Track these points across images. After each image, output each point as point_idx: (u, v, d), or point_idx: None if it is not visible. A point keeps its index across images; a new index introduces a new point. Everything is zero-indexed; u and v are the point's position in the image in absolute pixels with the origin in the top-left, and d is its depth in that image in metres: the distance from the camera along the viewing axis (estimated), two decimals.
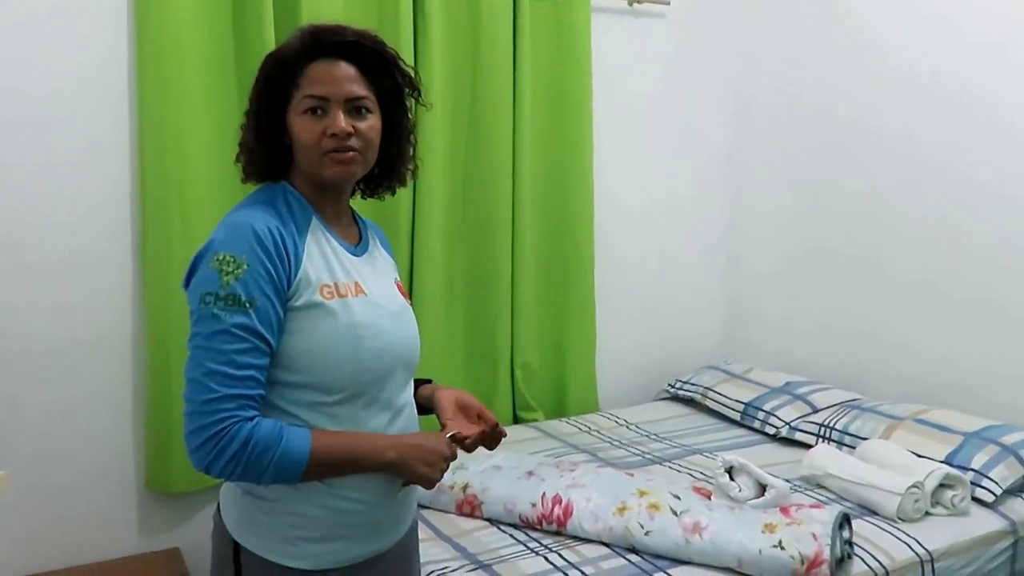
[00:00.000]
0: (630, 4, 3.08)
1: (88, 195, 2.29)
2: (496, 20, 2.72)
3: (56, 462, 2.29)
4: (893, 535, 1.94)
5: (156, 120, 2.27)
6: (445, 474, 1.30)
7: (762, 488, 2.03)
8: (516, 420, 2.93)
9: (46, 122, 2.22)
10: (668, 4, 3.14)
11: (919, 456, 2.23)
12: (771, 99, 3.24)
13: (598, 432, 2.76)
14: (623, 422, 2.87)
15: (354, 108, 1.26)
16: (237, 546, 1.26)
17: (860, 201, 2.90)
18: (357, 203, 1.43)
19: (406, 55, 2.52)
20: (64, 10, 2.22)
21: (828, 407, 2.67)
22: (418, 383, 1.47)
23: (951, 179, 2.61)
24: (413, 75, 1.34)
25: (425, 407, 1.45)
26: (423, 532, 1.87)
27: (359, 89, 1.26)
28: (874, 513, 2.05)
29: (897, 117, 2.76)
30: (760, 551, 1.75)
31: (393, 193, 1.44)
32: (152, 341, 2.32)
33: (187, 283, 1.23)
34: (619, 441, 2.67)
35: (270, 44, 2.28)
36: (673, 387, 3.16)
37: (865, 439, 2.39)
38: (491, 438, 1.39)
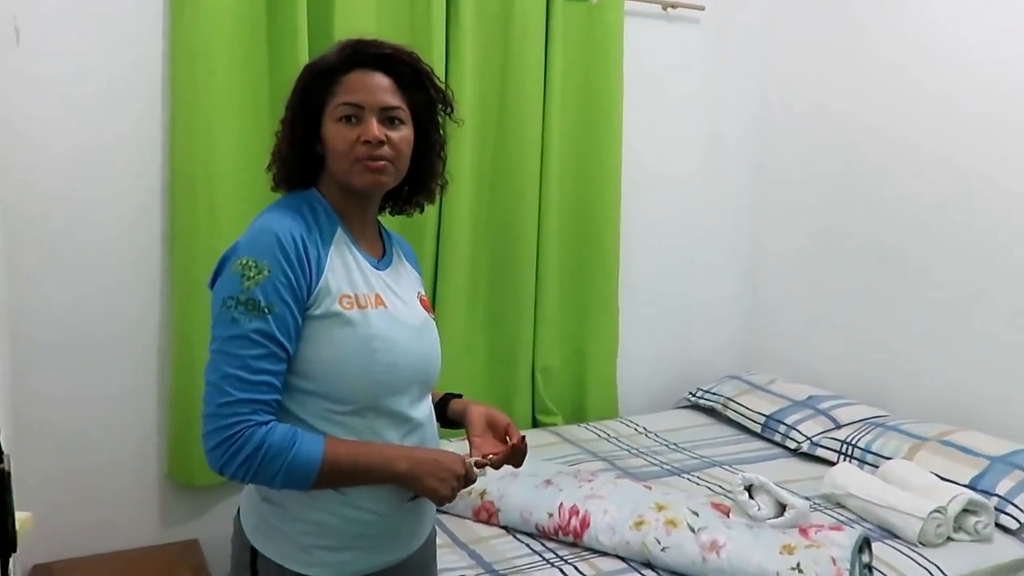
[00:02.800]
0: (664, 9, 3.05)
1: (119, 191, 2.31)
2: (528, 25, 2.71)
3: (80, 452, 2.32)
4: (914, 560, 1.91)
5: (186, 120, 2.29)
6: (457, 493, 1.29)
7: (781, 507, 2.02)
8: (535, 424, 2.93)
9: (80, 119, 2.24)
10: (703, 9, 3.11)
11: (942, 479, 2.20)
12: (800, 107, 3.20)
13: (617, 439, 2.75)
14: (642, 430, 2.86)
15: (388, 118, 1.27)
16: (254, 551, 1.28)
17: (889, 212, 2.86)
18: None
19: (437, 63, 2.53)
20: (102, 10, 2.23)
21: (851, 423, 2.64)
22: (449, 397, 1.47)
23: (986, 191, 2.56)
24: (447, 92, 1.35)
25: (456, 422, 1.45)
26: (440, 538, 1.87)
27: (393, 100, 1.28)
28: (895, 536, 2.03)
29: (928, 125, 2.72)
30: (778, 574, 1.73)
31: (422, 211, 1.45)
32: (177, 336, 2.35)
33: (212, 284, 1.25)
34: (638, 449, 2.66)
35: (303, 52, 2.30)
36: (694, 396, 3.14)
37: (888, 458, 2.36)
38: (516, 456, 1.38)
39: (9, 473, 0.65)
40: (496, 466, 1.34)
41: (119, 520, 2.39)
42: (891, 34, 2.84)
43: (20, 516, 0.74)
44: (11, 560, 0.69)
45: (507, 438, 1.40)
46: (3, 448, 0.66)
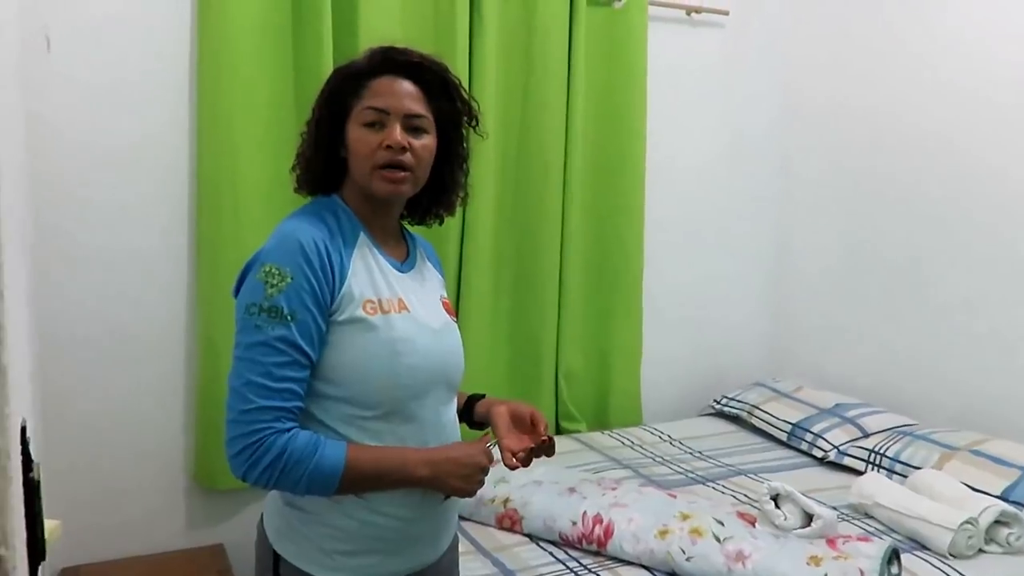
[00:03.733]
0: (688, 14, 3.04)
1: (146, 195, 2.34)
2: (551, 30, 2.71)
3: (107, 455, 2.35)
4: (944, 573, 1.88)
5: (213, 124, 2.31)
6: (484, 484, 1.30)
7: (808, 517, 1.99)
8: (558, 430, 2.92)
9: (109, 124, 2.27)
10: (727, 14, 3.09)
11: (974, 490, 2.16)
12: (825, 109, 3.17)
13: (641, 447, 2.73)
14: (666, 437, 2.84)
15: (412, 126, 1.28)
16: (277, 556, 1.29)
17: (918, 215, 2.82)
18: None
19: (461, 68, 2.54)
20: (130, 13, 2.26)
21: (879, 432, 2.61)
22: (474, 399, 1.47)
23: (1019, 193, 2.51)
24: (473, 104, 1.35)
25: (481, 423, 1.45)
26: (463, 545, 1.87)
27: (419, 107, 1.28)
28: (924, 548, 2.00)
29: (957, 124, 2.68)
30: None
31: (441, 223, 1.45)
32: (203, 339, 2.37)
33: (236, 291, 1.26)
34: (662, 457, 2.64)
35: (328, 58, 2.32)
36: (719, 403, 3.11)
37: (917, 468, 2.33)
38: (545, 448, 1.34)
39: (39, 482, 0.65)
40: (526, 463, 1.30)
41: (145, 524, 2.41)
42: (916, 32, 2.81)
43: (49, 524, 0.74)
44: (41, 567, 0.69)
45: (533, 428, 1.36)
46: (33, 456, 0.67)
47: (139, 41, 2.28)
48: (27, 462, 0.64)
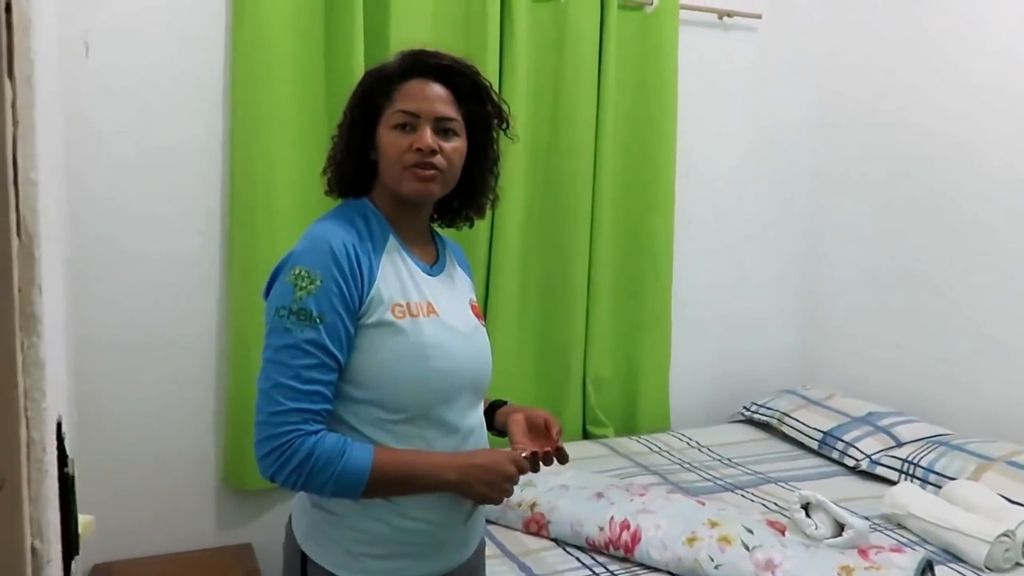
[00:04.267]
0: (720, 18, 3.02)
1: (181, 197, 2.37)
2: (582, 34, 2.71)
3: (139, 454, 2.38)
4: None
5: (246, 128, 2.33)
6: (510, 492, 1.29)
7: (840, 527, 1.96)
8: (586, 435, 2.91)
9: (144, 128, 2.30)
10: (760, 18, 3.07)
11: (1010, 501, 2.11)
12: (858, 115, 3.13)
13: (669, 453, 2.71)
14: (695, 444, 2.81)
15: (442, 129, 1.28)
16: (304, 557, 1.30)
17: (951, 223, 2.78)
18: None
19: (491, 71, 2.54)
20: (164, 17, 2.30)
21: (913, 441, 2.56)
22: (496, 406, 1.47)
23: None
24: (504, 107, 1.36)
25: (501, 431, 1.45)
26: (489, 548, 1.87)
27: (449, 110, 1.28)
28: (959, 560, 1.96)
29: (994, 132, 2.63)
30: None
31: (471, 225, 1.45)
32: (234, 342, 2.39)
33: (267, 294, 1.27)
34: (690, 464, 2.62)
35: (359, 61, 2.33)
36: (748, 410, 3.08)
37: (952, 479, 2.28)
38: (556, 455, 1.33)
39: (73, 477, 0.66)
40: (534, 468, 1.30)
41: (176, 522, 2.44)
42: (952, 37, 2.77)
43: (83, 519, 0.75)
44: (74, 562, 0.70)
45: (547, 432, 1.36)
46: (68, 452, 0.68)
47: (174, 46, 2.31)
48: (62, 457, 0.65)
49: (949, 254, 2.78)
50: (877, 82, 3.05)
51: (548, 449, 1.31)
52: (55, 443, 0.60)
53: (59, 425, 0.66)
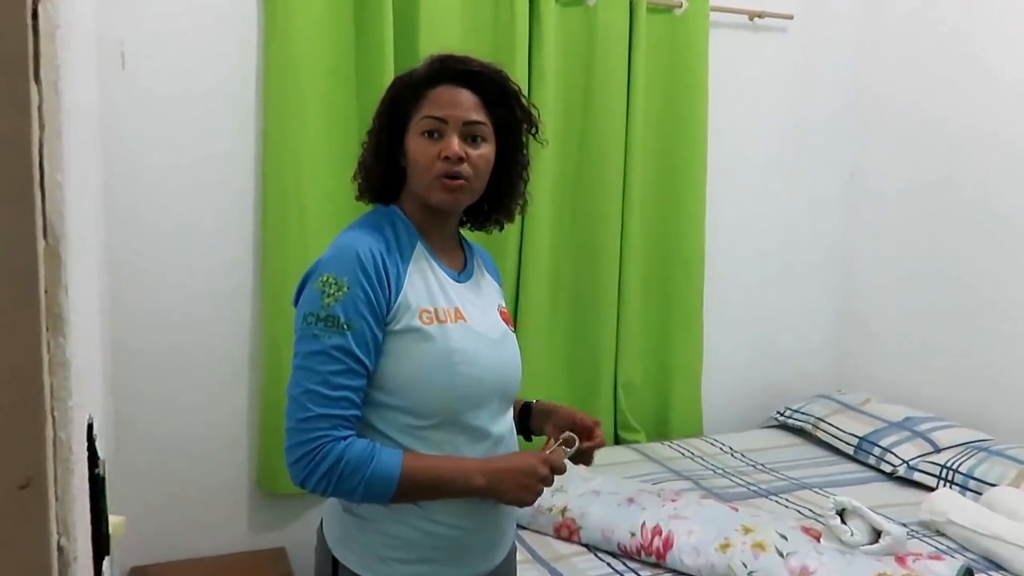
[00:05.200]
0: (751, 19, 2.99)
1: (215, 204, 2.40)
2: (611, 37, 2.70)
3: (175, 459, 2.41)
4: None
5: (279, 134, 2.36)
6: (542, 492, 1.28)
7: (876, 534, 1.93)
8: (617, 441, 2.89)
9: (179, 136, 2.34)
10: (791, 19, 3.03)
11: None
12: (895, 113, 3.08)
13: (701, 458, 2.68)
14: (728, 449, 2.78)
15: (470, 135, 1.28)
16: (336, 561, 1.30)
17: (988, 224, 2.72)
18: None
19: (520, 75, 2.54)
20: (198, 27, 2.33)
21: (951, 447, 2.51)
22: (527, 408, 1.47)
23: None
24: (533, 112, 1.35)
25: (539, 432, 1.45)
26: (520, 554, 1.86)
27: (477, 116, 1.28)
28: (1001, 568, 1.92)
29: None
30: None
31: (501, 229, 1.45)
32: (267, 348, 2.41)
33: (296, 301, 1.28)
34: (723, 469, 2.59)
35: (389, 68, 2.35)
36: (782, 415, 3.04)
37: (993, 485, 2.24)
38: (583, 454, 1.35)
39: (104, 478, 0.67)
40: (573, 459, 1.32)
41: (210, 526, 2.46)
42: (990, 33, 2.71)
43: (114, 520, 0.76)
44: (105, 561, 0.71)
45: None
46: (99, 454, 0.69)
47: (207, 56, 2.34)
48: (93, 458, 0.66)
49: (986, 256, 2.73)
50: (914, 79, 3.00)
51: (590, 444, 1.32)
52: (85, 443, 0.61)
53: (90, 427, 0.67)
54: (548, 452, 1.29)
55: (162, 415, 2.38)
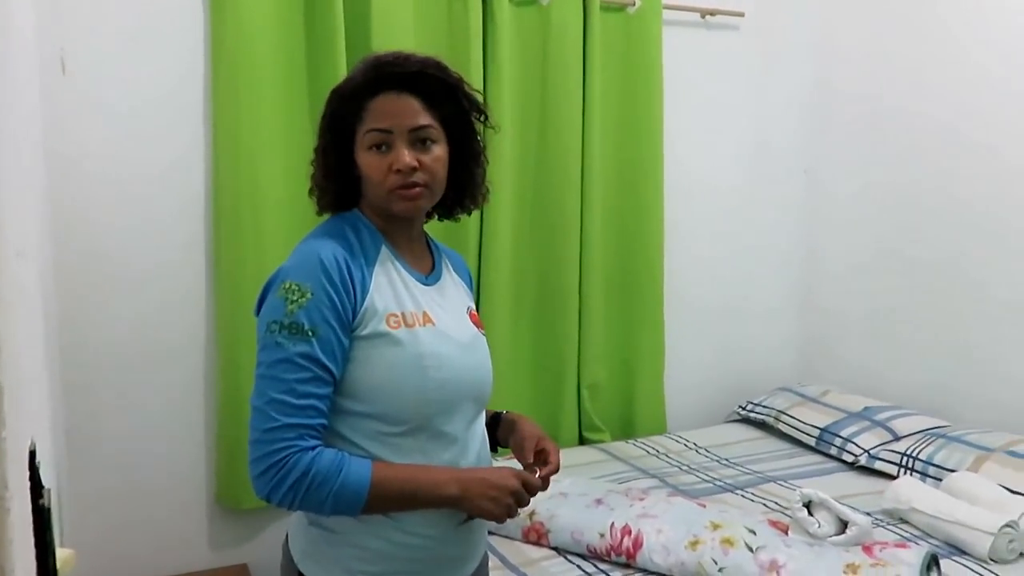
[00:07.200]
0: (703, 17, 3.00)
1: (166, 215, 2.33)
2: (566, 36, 2.69)
3: (130, 476, 2.33)
4: None
5: (230, 138, 2.30)
6: (514, 509, 1.25)
7: (843, 524, 1.94)
8: (582, 441, 2.88)
9: (128, 139, 2.27)
10: (743, 16, 3.05)
11: (1012, 492, 2.10)
12: (850, 108, 3.12)
13: (667, 455, 2.69)
14: (692, 445, 2.79)
15: (418, 140, 1.24)
16: None
17: (947, 210, 2.76)
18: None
19: (476, 75, 2.51)
20: (145, 31, 2.26)
21: (911, 434, 2.55)
22: (496, 418, 1.44)
23: None
24: (479, 98, 1.32)
25: (504, 444, 1.42)
26: (489, 560, 1.83)
27: (423, 119, 1.24)
28: (964, 553, 1.94)
29: (992, 125, 2.62)
30: None
31: (469, 213, 1.41)
32: (224, 360, 2.35)
33: (258, 311, 1.24)
34: (688, 466, 2.59)
35: (342, 67, 2.30)
36: (744, 409, 3.06)
37: (952, 471, 2.27)
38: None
39: (49, 509, 0.63)
40: (544, 487, 1.29)
41: (169, 544, 2.39)
42: (951, 26, 2.74)
43: (62, 554, 0.72)
44: None
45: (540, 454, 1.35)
46: (43, 483, 0.65)
47: (153, 60, 2.28)
48: (36, 488, 0.62)
49: (949, 251, 2.76)
50: (871, 75, 3.03)
51: (547, 470, 1.30)
52: (26, 474, 0.57)
53: (32, 454, 0.63)
54: (526, 470, 1.27)
55: (116, 431, 2.31)
